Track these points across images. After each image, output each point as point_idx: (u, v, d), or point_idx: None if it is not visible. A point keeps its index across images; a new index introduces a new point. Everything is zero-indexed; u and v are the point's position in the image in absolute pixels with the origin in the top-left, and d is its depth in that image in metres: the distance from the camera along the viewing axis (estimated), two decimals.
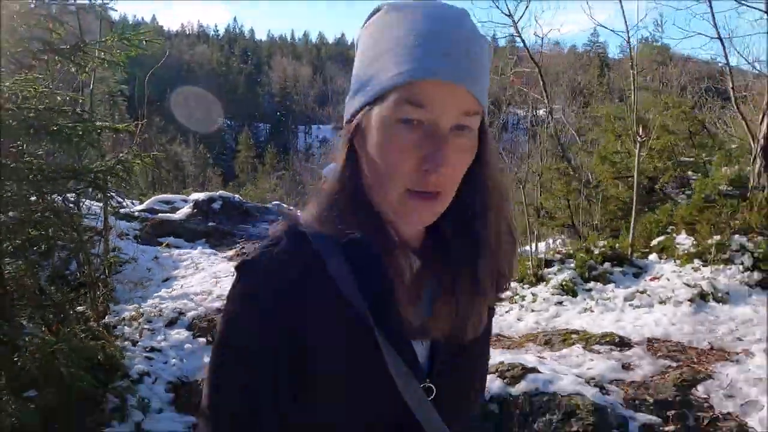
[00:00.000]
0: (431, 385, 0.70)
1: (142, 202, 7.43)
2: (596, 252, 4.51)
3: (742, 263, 3.91)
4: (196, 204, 7.20)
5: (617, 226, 5.58)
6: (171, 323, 4.04)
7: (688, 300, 3.74)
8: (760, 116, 4.41)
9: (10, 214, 3.29)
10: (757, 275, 3.83)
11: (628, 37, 7.48)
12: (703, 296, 3.77)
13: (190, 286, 5.00)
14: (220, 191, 8.12)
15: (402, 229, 0.70)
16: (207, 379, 0.70)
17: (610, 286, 4.31)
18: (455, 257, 0.71)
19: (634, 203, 4.54)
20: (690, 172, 5.61)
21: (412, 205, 0.65)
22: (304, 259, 0.67)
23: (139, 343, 3.69)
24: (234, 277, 0.70)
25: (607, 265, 4.46)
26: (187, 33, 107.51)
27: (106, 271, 4.70)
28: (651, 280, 4.23)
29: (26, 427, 2.49)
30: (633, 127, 4.67)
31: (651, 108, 8.27)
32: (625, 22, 7.39)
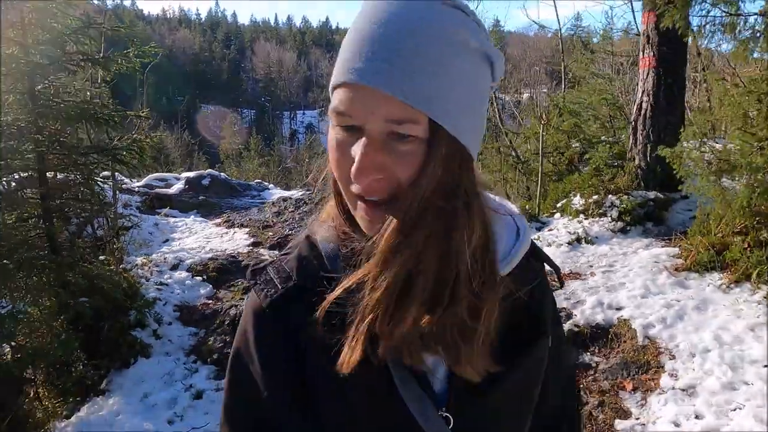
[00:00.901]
0: (448, 415, 0.65)
1: (139, 180, 8.49)
2: None
3: (611, 216, 5.15)
4: (188, 181, 8.29)
5: (554, 194, 6.82)
6: (174, 267, 5.18)
7: (567, 242, 4.97)
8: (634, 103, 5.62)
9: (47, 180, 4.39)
10: (620, 224, 5.07)
11: (560, 33, 8.68)
12: (578, 239, 5.01)
13: (186, 244, 6.13)
14: (209, 170, 9.21)
15: None
16: (225, 384, 0.72)
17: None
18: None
19: (540, 174, 5.75)
20: (607, 149, 6.83)
21: (361, 212, 0.61)
22: (309, 272, 0.66)
23: (151, 279, 4.83)
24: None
25: None
26: (168, 17, 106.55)
27: (117, 232, 5.80)
28: (548, 231, 5.46)
29: (83, 318, 3.65)
30: (541, 112, 5.86)
31: (592, 93, 9.53)
32: (558, 20, 8.56)
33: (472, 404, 0.66)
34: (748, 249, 3.91)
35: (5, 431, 3.54)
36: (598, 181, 5.54)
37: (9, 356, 3.67)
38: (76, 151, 4.15)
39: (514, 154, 7.59)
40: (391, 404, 0.63)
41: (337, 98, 0.58)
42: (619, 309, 3.72)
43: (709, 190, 4.06)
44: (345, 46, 0.59)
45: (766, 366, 2.90)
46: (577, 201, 5.61)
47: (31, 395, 3.91)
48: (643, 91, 5.27)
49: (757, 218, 3.98)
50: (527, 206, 5.85)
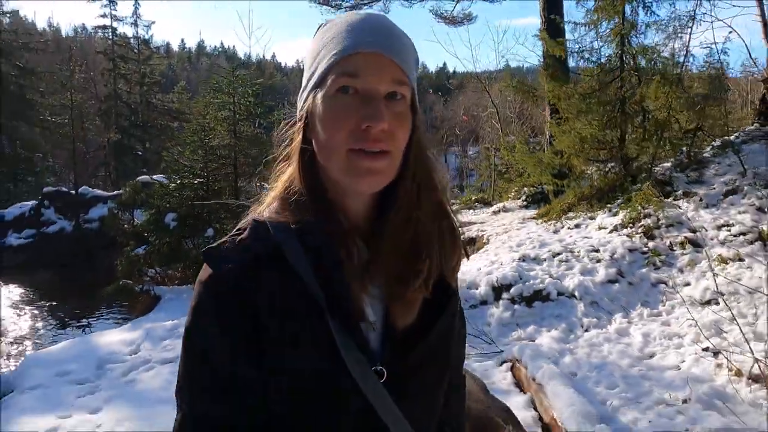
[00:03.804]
0: (382, 368, 0.74)
1: None
2: (473, 198, 9.77)
3: (522, 198, 9.04)
4: None
5: (502, 189, 10.75)
6: None
7: (493, 211, 8.95)
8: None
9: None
10: (525, 203, 8.94)
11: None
12: (500, 210, 8.96)
13: None
14: None
15: (352, 215, 0.78)
16: (179, 363, 0.77)
17: (478, 210, 9.57)
18: (397, 242, 0.77)
19: (492, 179, 9.68)
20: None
21: (357, 164, 0.71)
22: (263, 245, 0.74)
23: None
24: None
25: (477, 204, 9.71)
26: (301, 68, 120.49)
27: None
28: (490, 207, 9.44)
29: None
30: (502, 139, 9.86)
31: None
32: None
33: (403, 357, 0.76)
34: (562, 207, 7.66)
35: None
36: (527, 182, 9.44)
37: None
38: (250, 158, 9.11)
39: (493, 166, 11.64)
40: (331, 363, 0.72)
41: (348, 64, 0.73)
42: (484, 231, 7.70)
43: (547, 182, 7.91)
44: (337, 35, 0.75)
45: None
46: (513, 193, 9.54)
47: None
48: (546, 128, 9.14)
49: (578, 198, 7.72)
50: (485, 195, 9.89)
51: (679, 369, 4.07)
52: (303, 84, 0.81)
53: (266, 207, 0.81)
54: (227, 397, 0.73)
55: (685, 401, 3.59)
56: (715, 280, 4.46)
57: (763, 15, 5.64)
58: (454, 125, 29.53)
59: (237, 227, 0.78)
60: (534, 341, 4.96)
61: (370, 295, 0.77)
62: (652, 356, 4.40)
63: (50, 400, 4.38)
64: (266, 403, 0.73)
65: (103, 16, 28.82)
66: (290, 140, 0.80)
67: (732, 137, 7.10)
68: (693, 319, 4.39)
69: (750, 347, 3.57)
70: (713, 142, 7.13)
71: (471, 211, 9.37)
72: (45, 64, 26.22)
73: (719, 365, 3.89)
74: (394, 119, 0.73)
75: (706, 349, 4.18)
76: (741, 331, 3.70)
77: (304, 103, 0.78)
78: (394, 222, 0.76)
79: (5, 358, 6.79)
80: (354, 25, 0.76)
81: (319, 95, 0.75)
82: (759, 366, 3.49)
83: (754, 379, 3.62)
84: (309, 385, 0.73)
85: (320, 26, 0.82)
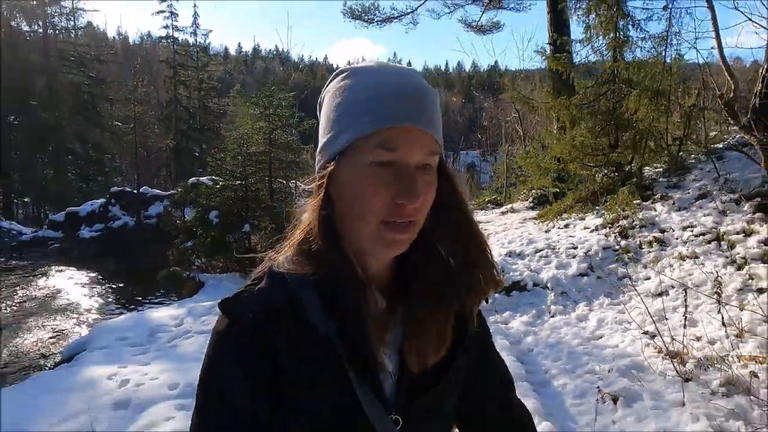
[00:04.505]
0: (398, 417, 0.77)
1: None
2: (486, 200, 10.52)
3: (529, 200, 9.72)
4: None
5: (514, 192, 11.42)
6: None
7: (502, 212, 9.69)
8: None
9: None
10: (531, 204, 9.62)
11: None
12: (508, 211, 9.68)
13: None
14: None
15: (370, 267, 0.79)
16: (194, 409, 0.78)
17: (489, 210, 10.33)
18: (424, 291, 0.80)
19: (505, 184, 10.37)
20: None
21: (389, 235, 0.73)
22: (281, 296, 0.75)
23: None
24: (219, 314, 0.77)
25: (489, 205, 10.46)
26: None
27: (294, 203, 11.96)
28: (499, 208, 10.16)
29: (280, 227, 9.63)
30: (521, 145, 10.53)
31: None
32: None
33: (416, 403, 0.78)
34: (560, 209, 8.33)
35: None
36: (533, 187, 10.11)
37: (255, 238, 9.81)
38: (284, 162, 10.26)
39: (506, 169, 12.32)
40: (351, 412, 0.73)
41: (383, 137, 0.72)
42: (486, 230, 8.47)
43: (547, 185, 8.60)
44: (366, 98, 0.74)
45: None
46: (522, 195, 10.23)
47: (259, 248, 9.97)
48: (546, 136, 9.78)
49: (576, 200, 8.37)
50: (498, 197, 10.63)
51: (617, 347, 4.79)
52: (323, 139, 0.79)
53: (283, 255, 0.80)
54: None
55: (609, 371, 4.33)
56: (669, 276, 5.13)
57: (718, 39, 6.11)
58: (486, 127, 30.14)
59: (253, 277, 0.80)
60: (507, 324, 5.77)
61: (387, 344, 0.79)
62: (600, 338, 5.12)
63: (113, 356, 5.63)
64: None
65: (166, 27, 31.17)
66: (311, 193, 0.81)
67: (720, 144, 7.56)
68: (641, 308, 5.08)
69: (657, 330, 4.28)
70: (704, 149, 7.61)
71: (483, 211, 10.14)
72: (114, 74, 28.77)
73: (648, 345, 4.59)
74: (424, 187, 0.74)
75: (645, 332, 4.87)
76: (646, 316, 4.40)
77: (327, 162, 0.77)
78: (431, 277, 0.80)
79: (80, 325, 8.25)
80: (385, 89, 0.74)
81: (350, 160, 0.74)
82: (665, 346, 4.19)
83: (671, 355, 4.32)
84: (329, 424, 0.74)
85: (341, 74, 0.80)
